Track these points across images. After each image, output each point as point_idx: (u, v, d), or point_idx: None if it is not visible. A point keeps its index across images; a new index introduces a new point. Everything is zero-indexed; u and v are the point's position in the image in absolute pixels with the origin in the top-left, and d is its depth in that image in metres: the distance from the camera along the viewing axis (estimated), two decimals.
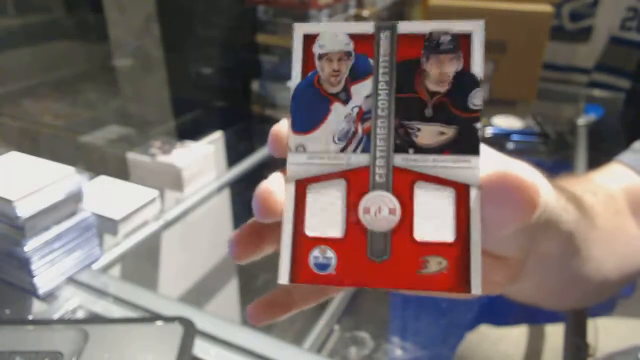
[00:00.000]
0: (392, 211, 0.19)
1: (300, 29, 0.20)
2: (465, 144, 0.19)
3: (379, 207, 0.19)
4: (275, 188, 0.19)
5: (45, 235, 0.47)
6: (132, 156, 0.71)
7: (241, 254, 0.21)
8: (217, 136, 0.84)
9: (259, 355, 0.41)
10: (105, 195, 0.60)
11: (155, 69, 0.80)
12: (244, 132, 0.95)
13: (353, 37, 0.20)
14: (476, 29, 0.19)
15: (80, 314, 0.47)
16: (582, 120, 0.96)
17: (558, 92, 1.15)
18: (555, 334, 0.54)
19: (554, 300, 0.32)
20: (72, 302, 0.48)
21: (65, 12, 0.76)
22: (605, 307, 0.67)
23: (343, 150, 0.19)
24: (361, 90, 0.20)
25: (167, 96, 0.82)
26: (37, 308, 0.48)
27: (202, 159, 0.71)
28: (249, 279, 0.89)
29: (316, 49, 0.20)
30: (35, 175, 0.48)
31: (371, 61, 0.20)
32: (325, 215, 0.19)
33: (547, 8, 0.97)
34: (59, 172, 0.48)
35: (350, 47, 0.20)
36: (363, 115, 0.19)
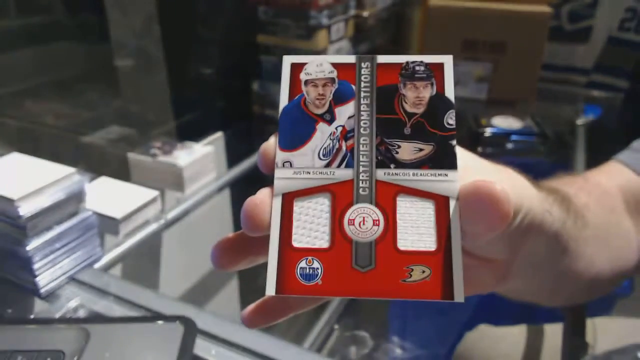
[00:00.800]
0: (375, 222, 0.20)
1: (288, 59, 0.22)
2: (443, 159, 0.20)
3: (363, 219, 0.20)
4: (263, 202, 0.20)
5: (46, 235, 0.47)
6: (133, 156, 0.71)
7: (223, 263, 0.21)
8: (218, 136, 0.84)
9: (259, 354, 0.41)
10: (107, 195, 0.60)
11: (156, 70, 0.80)
12: (245, 132, 0.95)
13: (336, 66, 0.22)
14: (447, 61, 0.21)
15: (81, 313, 0.47)
16: (581, 121, 0.97)
17: (557, 93, 1.16)
18: (554, 333, 0.54)
19: (546, 297, 0.32)
20: (74, 301, 0.48)
21: (66, 13, 0.76)
22: (604, 307, 0.68)
23: (328, 165, 0.20)
24: (344, 112, 0.21)
25: (168, 96, 0.82)
26: (39, 307, 0.48)
27: (203, 159, 0.71)
28: (250, 279, 0.89)
29: (303, 76, 0.22)
30: (36, 175, 0.48)
31: (353, 87, 0.21)
32: (312, 227, 0.20)
33: (546, 9, 0.97)
34: (61, 172, 0.49)
35: (334, 74, 0.22)
36: (346, 134, 0.21)
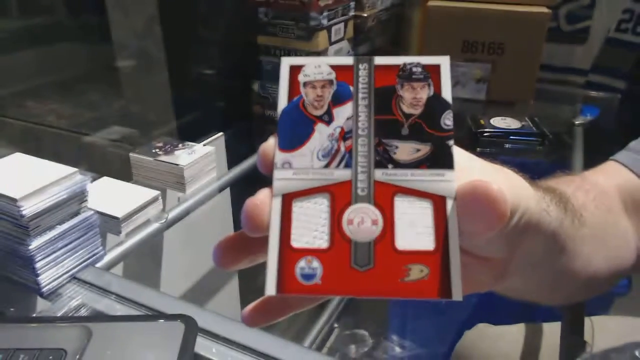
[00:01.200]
0: (374, 222, 0.20)
1: (286, 62, 0.22)
2: (440, 159, 0.20)
3: (362, 219, 0.20)
4: (263, 202, 0.20)
5: (49, 234, 0.47)
6: (135, 156, 0.71)
7: (224, 262, 0.22)
8: (218, 137, 0.84)
9: (260, 352, 0.41)
10: (108, 195, 0.61)
11: (157, 71, 0.81)
12: (245, 132, 0.96)
13: (335, 67, 0.22)
14: (443, 62, 0.21)
15: (83, 312, 0.47)
16: (579, 121, 0.97)
17: (555, 93, 1.16)
18: (552, 332, 0.55)
19: (544, 296, 0.33)
20: (76, 300, 0.48)
21: (67, 14, 0.77)
22: (602, 305, 0.68)
23: (327, 166, 0.21)
24: (343, 113, 0.21)
25: (169, 97, 0.83)
26: (41, 306, 0.49)
27: (204, 159, 0.71)
28: (250, 278, 0.89)
29: (301, 78, 0.22)
30: (39, 175, 0.48)
31: (351, 88, 0.21)
32: (311, 227, 0.20)
33: (544, 10, 0.97)
34: (63, 172, 0.49)
35: (333, 76, 0.22)
36: (345, 135, 0.21)
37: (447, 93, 0.21)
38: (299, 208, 0.20)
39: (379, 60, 0.22)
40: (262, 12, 0.92)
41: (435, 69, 0.21)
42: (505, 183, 0.20)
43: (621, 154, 0.38)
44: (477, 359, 0.58)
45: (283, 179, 0.21)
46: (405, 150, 0.20)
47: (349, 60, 0.22)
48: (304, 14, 0.88)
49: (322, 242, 0.20)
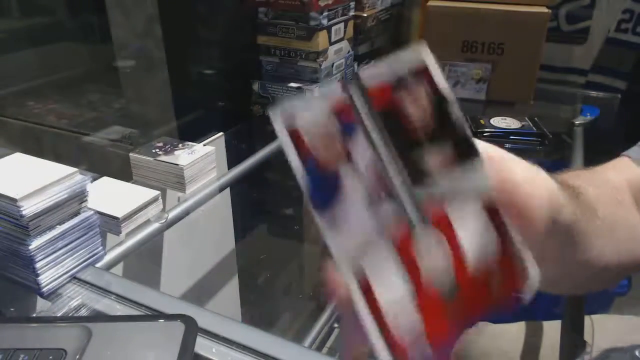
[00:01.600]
0: (442, 247, 0.20)
1: (278, 116, 0.21)
2: (465, 150, 0.20)
3: (430, 249, 0.20)
4: (339, 280, 0.20)
5: (49, 234, 0.47)
6: (135, 156, 0.72)
7: None
8: (218, 137, 0.84)
9: (260, 352, 0.41)
10: (108, 195, 0.61)
11: (157, 71, 0.81)
12: (245, 132, 0.96)
13: (329, 107, 0.20)
14: (427, 58, 0.21)
15: (83, 312, 0.47)
16: (578, 121, 0.97)
17: (555, 93, 1.16)
18: (552, 330, 0.55)
19: (551, 284, 0.33)
20: (76, 300, 0.48)
21: (68, 14, 0.77)
22: (602, 305, 0.68)
23: (372, 211, 0.20)
24: (360, 150, 0.20)
25: (169, 97, 0.83)
26: (41, 306, 0.49)
27: (204, 159, 0.71)
28: (250, 278, 0.89)
29: (302, 133, 0.20)
30: (39, 175, 0.48)
31: (355, 123, 0.20)
32: (389, 281, 0.20)
33: (544, 10, 0.97)
34: (63, 172, 0.49)
35: (331, 117, 0.20)
36: (372, 170, 0.20)
37: (443, 86, 0.21)
38: (369, 269, 0.20)
39: (366, 77, 0.21)
40: (262, 12, 0.92)
41: (422, 67, 0.21)
42: (541, 182, 0.21)
43: (633, 150, 0.38)
44: (477, 357, 0.58)
45: (340, 245, 0.20)
46: (432, 157, 0.20)
47: (337, 91, 0.20)
48: (304, 14, 0.88)
49: (406, 289, 0.19)
